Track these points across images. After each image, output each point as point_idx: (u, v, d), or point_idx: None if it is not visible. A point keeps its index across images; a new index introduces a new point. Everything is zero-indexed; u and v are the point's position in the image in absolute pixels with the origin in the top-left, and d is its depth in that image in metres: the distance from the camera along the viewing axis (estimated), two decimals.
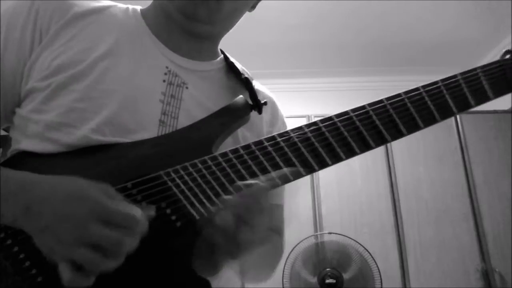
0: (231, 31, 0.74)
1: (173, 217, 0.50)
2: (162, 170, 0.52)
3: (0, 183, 0.47)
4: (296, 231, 2.26)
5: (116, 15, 0.68)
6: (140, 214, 0.44)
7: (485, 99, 0.60)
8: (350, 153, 0.56)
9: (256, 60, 3.19)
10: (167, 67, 0.66)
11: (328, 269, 2.09)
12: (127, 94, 0.59)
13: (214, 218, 0.49)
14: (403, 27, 2.90)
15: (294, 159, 0.55)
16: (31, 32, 0.61)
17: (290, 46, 3.12)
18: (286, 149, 0.55)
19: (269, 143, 0.55)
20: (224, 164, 0.54)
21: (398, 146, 2.65)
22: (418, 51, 3.12)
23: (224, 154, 0.54)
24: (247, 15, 0.74)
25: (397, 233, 2.47)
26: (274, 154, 0.55)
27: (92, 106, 0.57)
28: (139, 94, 0.61)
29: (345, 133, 0.56)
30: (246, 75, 0.72)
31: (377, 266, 2.08)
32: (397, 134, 0.57)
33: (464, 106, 0.59)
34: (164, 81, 0.64)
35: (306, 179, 2.57)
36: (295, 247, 2.10)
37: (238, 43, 2.99)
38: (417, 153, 2.64)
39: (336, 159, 0.56)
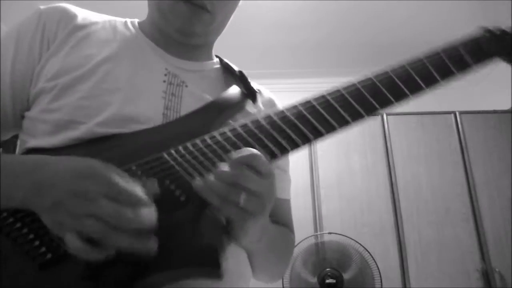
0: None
1: (177, 192, 0.52)
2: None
3: (6, 164, 0.49)
4: (296, 231, 2.25)
5: (116, 26, 0.73)
6: (143, 193, 0.46)
7: (466, 68, 0.66)
8: (343, 123, 0.60)
9: (256, 60, 3.19)
10: (166, 69, 0.69)
11: (328, 269, 2.09)
12: (130, 92, 0.63)
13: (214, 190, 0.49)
14: (402, 27, 2.90)
15: (291, 133, 0.57)
16: (39, 42, 0.66)
17: (290, 46, 3.12)
18: (282, 124, 0.57)
19: (265, 120, 0.58)
20: (223, 142, 0.56)
21: (398, 146, 2.66)
22: (417, 51, 3.12)
23: (222, 132, 0.57)
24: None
25: (397, 233, 2.47)
26: (271, 130, 0.57)
27: (97, 103, 0.61)
28: (141, 92, 0.64)
29: (336, 105, 0.60)
30: (240, 70, 0.75)
31: (377, 266, 2.07)
32: (388, 103, 0.62)
33: (446, 75, 0.65)
34: (164, 81, 0.67)
35: (306, 179, 2.57)
36: (295, 247, 2.10)
37: (239, 44, 3.00)
38: (417, 153, 2.64)
39: (331, 128, 0.59)
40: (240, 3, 0.77)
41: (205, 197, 0.49)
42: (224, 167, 0.49)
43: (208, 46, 0.79)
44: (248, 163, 0.49)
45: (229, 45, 2.92)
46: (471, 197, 2.52)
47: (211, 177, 0.49)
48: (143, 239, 0.44)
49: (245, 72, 0.76)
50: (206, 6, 0.67)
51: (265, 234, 0.62)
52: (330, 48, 3.16)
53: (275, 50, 3.15)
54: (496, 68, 3.22)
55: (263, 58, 3.22)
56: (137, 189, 0.46)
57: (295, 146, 0.57)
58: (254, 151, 0.51)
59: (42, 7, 0.70)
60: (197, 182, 0.50)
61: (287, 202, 0.80)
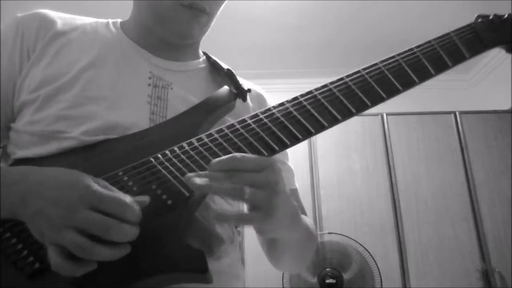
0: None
1: (164, 197, 0.52)
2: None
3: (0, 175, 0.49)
4: None
5: (97, 29, 0.71)
6: (130, 200, 0.45)
7: (461, 58, 0.63)
8: (334, 120, 0.59)
9: (256, 60, 3.19)
10: (150, 72, 0.68)
11: (328, 269, 2.09)
12: (114, 99, 0.62)
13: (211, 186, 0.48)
14: (403, 27, 2.90)
15: (279, 133, 0.56)
16: (19, 53, 0.64)
17: (290, 46, 3.12)
18: (269, 124, 0.57)
19: (252, 120, 0.57)
20: (210, 143, 0.55)
21: (398, 146, 2.65)
22: None
23: (209, 135, 0.56)
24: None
25: (397, 233, 2.47)
26: (258, 129, 0.56)
27: (81, 112, 0.60)
28: (126, 99, 0.63)
29: (326, 104, 0.58)
30: (228, 68, 0.74)
31: (377, 266, 2.07)
32: (379, 99, 0.60)
33: (441, 67, 0.62)
34: (149, 84, 0.66)
35: (307, 179, 2.57)
36: None
37: (238, 44, 3.00)
38: (417, 153, 2.64)
39: (320, 127, 0.58)
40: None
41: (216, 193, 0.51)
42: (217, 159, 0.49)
43: (196, 45, 0.78)
44: (232, 168, 0.48)
45: (228, 46, 2.92)
46: (471, 197, 2.52)
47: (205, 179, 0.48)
48: (123, 249, 0.44)
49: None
50: (205, 9, 0.67)
51: (296, 222, 0.59)
52: (331, 49, 3.16)
53: (275, 50, 3.15)
54: (496, 68, 3.23)
55: (262, 58, 3.22)
56: (122, 197, 0.45)
57: (283, 145, 0.56)
58: (235, 155, 0.49)
59: (19, 15, 0.68)
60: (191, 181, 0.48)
61: (294, 191, 0.80)
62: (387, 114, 2.72)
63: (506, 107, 2.77)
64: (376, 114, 2.74)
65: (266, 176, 0.49)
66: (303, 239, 0.67)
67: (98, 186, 0.45)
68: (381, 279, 2.06)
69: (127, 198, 0.45)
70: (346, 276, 2.07)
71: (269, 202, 0.48)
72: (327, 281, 2.05)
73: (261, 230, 0.53)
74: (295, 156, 2.58)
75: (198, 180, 0.47)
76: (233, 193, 0.47)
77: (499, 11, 0.69)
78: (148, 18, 0.71)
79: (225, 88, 0.68)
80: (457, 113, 2.72)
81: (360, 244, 2.12)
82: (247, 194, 0.47)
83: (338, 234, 2.15)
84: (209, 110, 0.63)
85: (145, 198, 0.48)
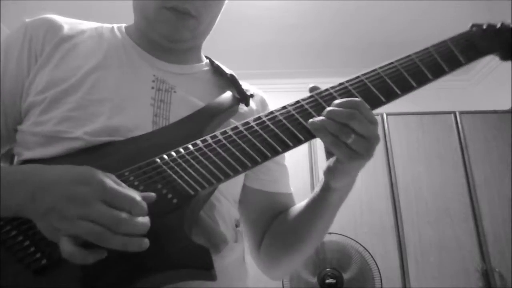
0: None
1: (169, 196, 0.53)
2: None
3: (1, 175, 0.50)
4: None
5: (103, 33, 0.72)
6: (139, 198, 0.47)
7: (458, 64, 0.66)
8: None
9: (256, 60, 3.19)
10: (154, 75, 0.69)
11: (328, 269, 2.09)
12: (118, 102, 0.63)
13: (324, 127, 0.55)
14: (403, 28, 2.90)
15: (281, 134, 0.58)
16: (27, 57, 0.66)
17: (290, 46, 3.12)
18: (272, 126, 0.58)
19: (255, 122, 0.59)
20: (214, 144, 0.56)
21: (398, 146, 2.66)
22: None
23: (213, 136, 0.58)
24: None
25: (397, 233, 2.47)
26: (261, 131, 0.58)
27: (86, 114, 0.61)
28: (129, 101, 0.64)
29: (325, 105, 0.60)
30: (232, 73, 0.76)
31: (377, 266, 2.08)
32: (377, 103, 0.62)
33: (438, 72, 0.64)
34: (152, 88, 0.67)
35: (307, 179, 2.57)
36: None
37: (238, 44, 3.00)
38: (417, 153, 2.64)
39: None
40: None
41: (317, 135, 0.56)
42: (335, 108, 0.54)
43: (197, 48, 0.79)
44: (356, 108, 0.54)
45: (228, 45, 2.92)
46: (471, 197, 2.52)
47: (322, 117, 0.55)
48: (136, 240, 0.45)
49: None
50: (190, 12, 0.67)
51: (349, 189, 0.64)
52: (331, 49, 3.16)
53: (275, 50, 3.15)
54: (496, 68, 3.23)
55: (262, 58, 3.22)
56: (132, 194, 0.47)
57: (286, 147, 0.58)
58: (359, 99, 0.56)
59: (27, 20, 0.70)
60: (311, 121, 0.56)
61: (291, 196, 0.80)
62: (387, 114, 2.72)
63: (506, 107, 2.77)
64: (376, 114, 2.66)
65: (376, 130, 0.56)
66: (341, 202, 0.69)
67: (110, 181, 0.47)
68: (381, 279, 2.06)
69: (136, 195, 0.47)
70: (346, 276, 2.07)
71: (368, 152, 0.56)
72: (327, 281, 2.05)
73: (348, 171, 0.59)
74: (295, 156, 2.58)
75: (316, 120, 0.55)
76: (342, 133, 0.54)
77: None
78: (140, 21, 0.72)
79: (228, 93, 0.69)
80: (457, 113, 2.72)
81: (360, 244, 2.12)
82: (352, 138, 0.54)
83: (338, 234, 2.15)
84: (212, 114, 0.65)
85: (152, 194, 0.50)
